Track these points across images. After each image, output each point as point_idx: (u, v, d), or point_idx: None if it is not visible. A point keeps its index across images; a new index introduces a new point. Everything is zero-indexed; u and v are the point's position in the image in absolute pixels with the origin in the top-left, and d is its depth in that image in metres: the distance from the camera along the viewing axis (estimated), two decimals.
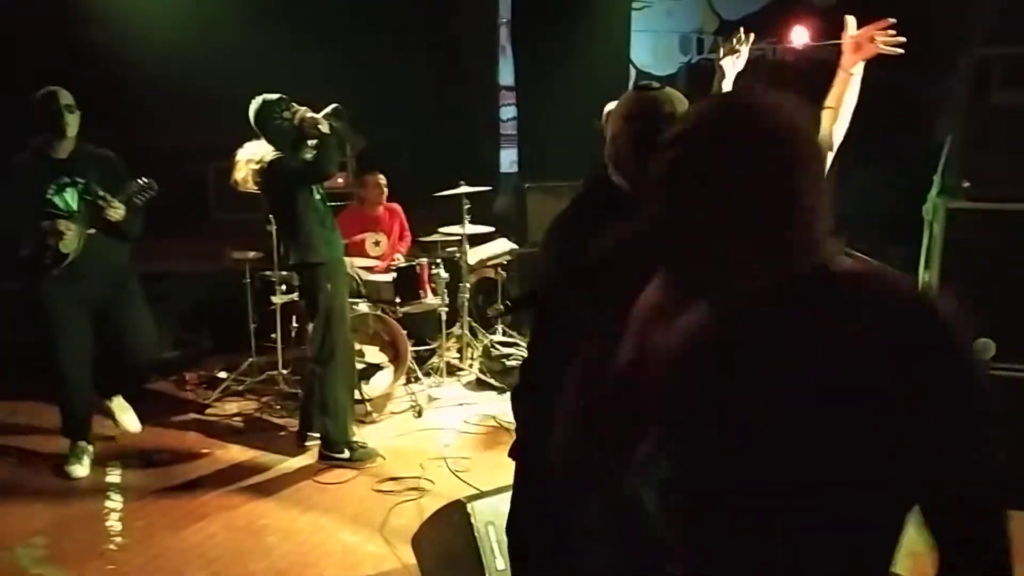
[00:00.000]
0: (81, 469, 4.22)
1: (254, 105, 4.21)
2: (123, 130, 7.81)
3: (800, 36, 3.83)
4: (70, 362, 4.17)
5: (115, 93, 7.22)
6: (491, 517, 2.95)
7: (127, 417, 4.59)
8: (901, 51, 2.71)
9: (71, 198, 4.06)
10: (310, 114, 4.15)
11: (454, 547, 2.93)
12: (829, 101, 2.94)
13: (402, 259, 5.67)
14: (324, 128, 4.10)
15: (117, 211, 4.05)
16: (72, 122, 4.03)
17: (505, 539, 2.91)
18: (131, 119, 7.66)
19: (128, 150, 6.61)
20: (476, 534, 2.91)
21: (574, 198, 2.01)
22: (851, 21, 2.78)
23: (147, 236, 6.85)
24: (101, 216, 4.05)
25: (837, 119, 3.04)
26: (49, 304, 4.09)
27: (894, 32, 2.68)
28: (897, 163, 7.26)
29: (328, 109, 4.20)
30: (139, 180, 4.16)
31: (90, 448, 4.31)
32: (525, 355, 5.35)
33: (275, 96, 4.23)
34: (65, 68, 5.42)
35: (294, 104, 4.20)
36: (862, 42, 2.74)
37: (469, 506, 2.94)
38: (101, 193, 4.05)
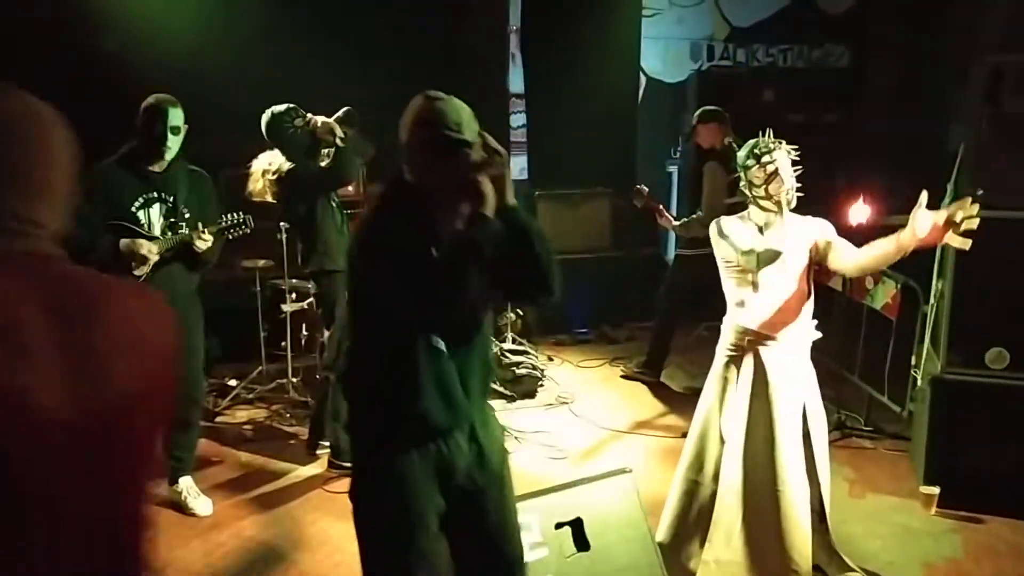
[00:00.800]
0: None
1: (265, 117, 4.22)
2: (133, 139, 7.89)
3: (859, 213, 3.53)
4: None
5: (126, 102, 7.27)
6: None
7: (199, 502, 3.93)
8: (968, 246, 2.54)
9: (156, 216, 3.67)
10: (323, 120, 4.17)
11: None
12: (865, 262, 2.95)
13: None
14: (339, 134, 4.12)
15: (205, 242, 3.68)
16: (173, 145, 3.66)
17: None
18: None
19: None
20: None
21: (376, 197, 2.23)
22: (924, 196, 2.62)
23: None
24: (183, 242, 3.66)
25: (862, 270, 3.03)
26: None
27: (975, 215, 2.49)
28: (913, 170, 7.23)
29: (340, 113, 4.22)
30: (236, 214, 3.83)
31: None
32: (527, 360, 5.36)
33: (284, 106, 4.24)
34: (77, 77, 5.46)
35: (307, 113, 4.21)
36: (937, 226, 2.59)
37: None
38: (188, 216, 3.70)
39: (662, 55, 8.53)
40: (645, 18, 8.10)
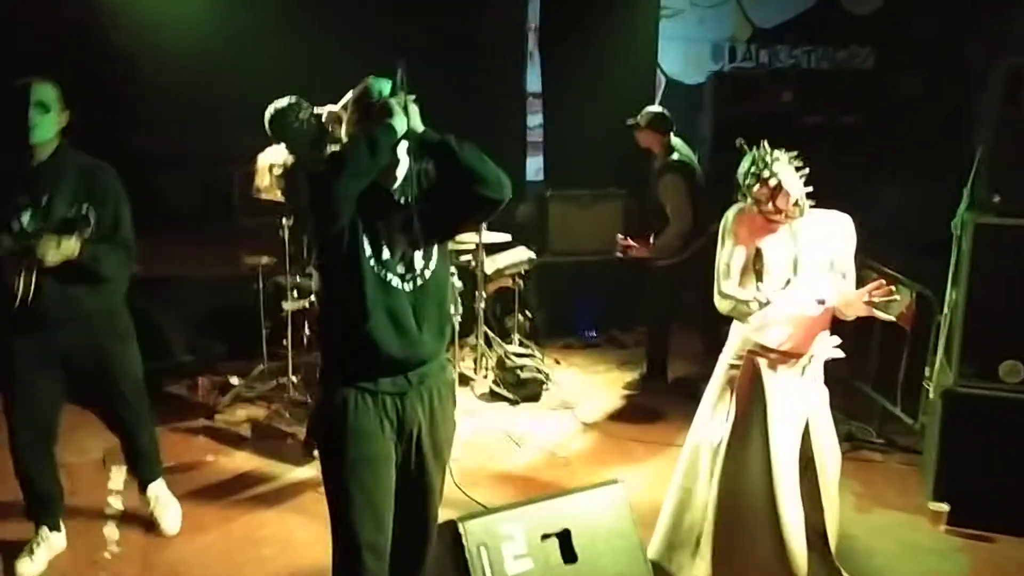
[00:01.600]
0: (29, 565, 3.36)
1: (268, 112, 4.17)
2: (149, 137, 7.92)
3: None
4: (25, 428, 3.31)
5: (142, 100, 7.30)
6: (484, 538, 2.87)
7: (167, 516, 3.71)
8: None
9: (27, 220, 3.08)
10: (330, 109, 4.10)
11: (444, 567, 2.84)
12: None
13: None
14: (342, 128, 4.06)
15: (50, 249, 3.01)
16: (42, 124, 3.07)
17: (497, 560, 2.83)
18: (157, 126, 7.74)
19: (154, 156, 6.69)
20: (467, 555, 2.82)
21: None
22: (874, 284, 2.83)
23: (170, 242, 6.97)
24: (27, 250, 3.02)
25: None
26: (4, 355, 3.23)
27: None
28: (934, 175, 7.05)
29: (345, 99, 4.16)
30: (81, 206, 3.15)
31: (52, 537, 3.47)
32: (532, 363, 5.29)
33: (286, 100, 4.18)
34: (91, 75, 5.46)
35: (311, 105, 4.13)
36: (859, 303, 2.87)
37: (461, 526, 2.86)
38: (66, 219, 3.10)
39: (682, 56, 8.41)
40: (666, 18, 8.00)
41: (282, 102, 4.16)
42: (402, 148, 2.36)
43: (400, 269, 2.36)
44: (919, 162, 7.08)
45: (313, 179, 2.25)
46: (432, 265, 2.42)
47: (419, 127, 2.33)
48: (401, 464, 2.47)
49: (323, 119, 4.08)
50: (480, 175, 2.34)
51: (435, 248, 2.45)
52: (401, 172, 2.39)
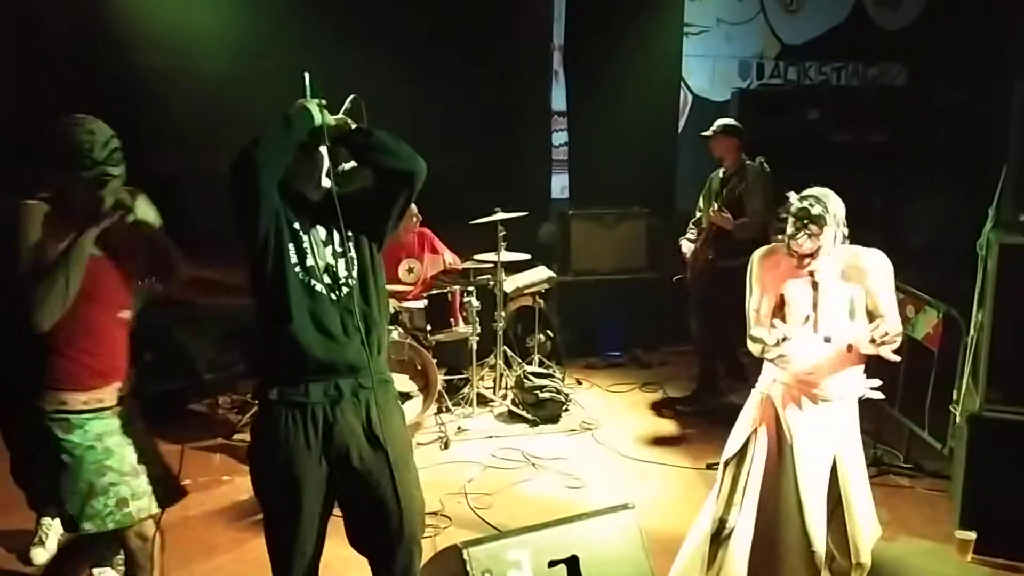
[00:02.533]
0: (43, 553, 3.53)
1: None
2: (175, 155, 8.02)
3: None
4: None
5: (165, 120, 7.38)
6: (488, 564, 2.81)
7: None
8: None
9: None
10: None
11: None
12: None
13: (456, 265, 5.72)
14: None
15: None
16: None
17: None
18: (181, 145, 7.83)
19: (178, 176, 6.75)
20: None
21: None
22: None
23: (194, 258, 7.01)
24: None
25: None
26: None
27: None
28: (967, 193, 6.90)
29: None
30: None
31: (55, 522, 3.48)
32: (551, 384, 5.25)
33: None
34: (116, 96, 5.54)
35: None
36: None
37: (466, 552, 2.80)
38: None
39: (709, 73, 8.35)
40: (692, 36, 7.95)
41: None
42: (323, 150, 2.45)
43: (326, 278, 2.42)
44: (952, 179, 6.94)
45: (234, 158, 2.31)
46: (356, 274, 2.47)
47: (330, 120, 2.44)
48: (338, 481, 2.46)
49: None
50: (392, 150, 2.46)
51: (363, 255, 2.50)
52: (323, 175, 2.47)
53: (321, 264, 2.42)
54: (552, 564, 2.90)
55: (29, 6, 6.46)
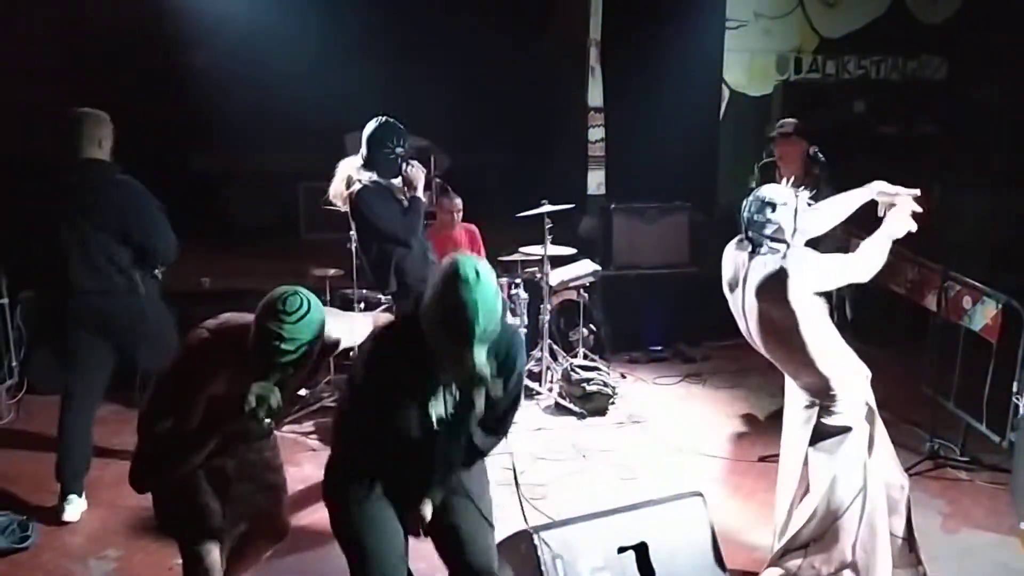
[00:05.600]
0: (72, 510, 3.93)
1: (374, 123, 4.17)
2: (219, 153, 8.08)
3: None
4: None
5: (207, 119, 7.44)
6: (559, 549, 2.81)
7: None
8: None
9: None
10: (414, 169, 4.21)
11: None
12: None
13: None
14: (419, 191, 4.17)
15: None
16: None
17: (573, 572, 2.76)
18: (222, 144, 7.90)
19: (220, 174, 6.78)
20: (543, 566, 2.76)
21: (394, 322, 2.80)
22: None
23: (238, 256, 7.07)
24: None
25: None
26: None
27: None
28: (1016, 184, 6.82)
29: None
30: None
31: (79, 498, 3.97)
32: (598, 377, 5.22)
33: (395, 123, 4.18)
34: (156, 95, 5.58)
35: (406, 144, 4.20)
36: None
37: (536, 537, 2.80)
38: None
39: (747, 68, 8.26)
40: (729, 30, 7.87)
41: (392, 122, 4.18)
42: None
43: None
44: (999, 171, 6.85)
45: None
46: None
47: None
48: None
49: (405, 168, 4.17)
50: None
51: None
52: None
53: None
54: (622, 550, 2.89)
55: (80, 4, 6.52)
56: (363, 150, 4.17)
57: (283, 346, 2.31)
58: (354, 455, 2.49)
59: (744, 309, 3.05)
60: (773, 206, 2.91)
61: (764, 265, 2.90)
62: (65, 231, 3.79)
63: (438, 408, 2.35)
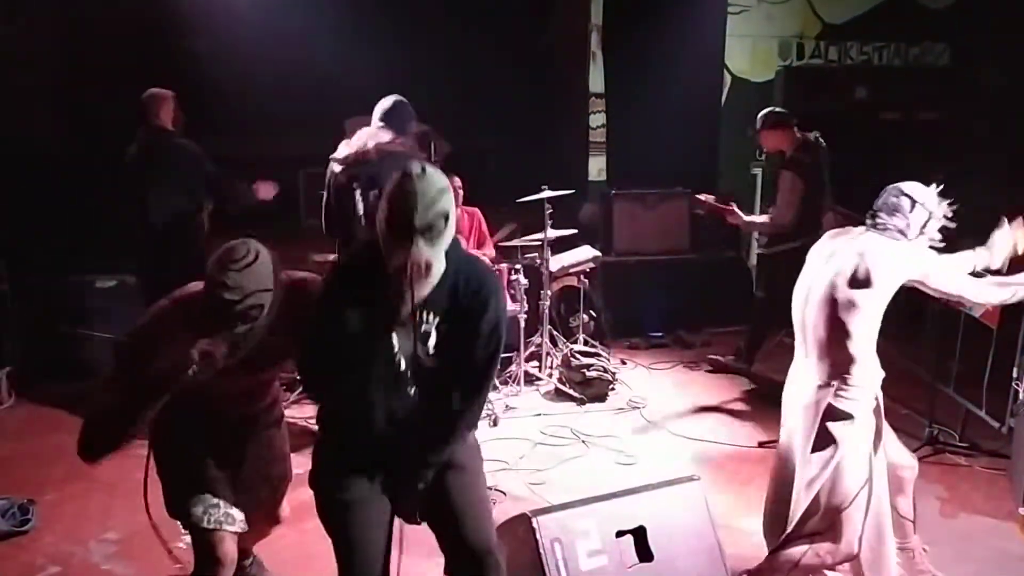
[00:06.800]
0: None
1: (393, 98, 4.18)
2: (219, 138, 8.05)
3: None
4: None
5: (206, 103, 7.42)
6: (558, 533, 2.81)
7: None
8: None
9: None
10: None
11: (518, 562, 2.78)
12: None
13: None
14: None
15: None
16: None
17: (571, 556, 2.76)
18: (222, 129, 7.86)
19: (219, 159, 6.76)
20: (541, 550, 2.77)
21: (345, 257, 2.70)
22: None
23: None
24: None
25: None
26: None
27: None
28: (1019, 172, 6.79)
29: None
30: None
31: None
32: (598, 363, 5.22)
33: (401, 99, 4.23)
34: (168, 77, 5.57)
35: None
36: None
37: (535, 520, 2.80)
38: None
39: (749, 53, 8.23)
40: (732, 15, 7.84)
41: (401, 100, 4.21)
42: None
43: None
44: (1002, 158, 6.82)
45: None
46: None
47: None
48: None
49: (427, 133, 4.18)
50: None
51: None
52: None
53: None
54: (620, 534, 2.89)
55: None
56: (383, 120, 4.18)
57: (228, 295, 2.29)
58: (334, 427, 2.43)
59: (818, 275, 2.99)
60: (913, 203, 2.90)
61: (879, 239, 2.90)
62: None
63: (405, 346, 2.28)
